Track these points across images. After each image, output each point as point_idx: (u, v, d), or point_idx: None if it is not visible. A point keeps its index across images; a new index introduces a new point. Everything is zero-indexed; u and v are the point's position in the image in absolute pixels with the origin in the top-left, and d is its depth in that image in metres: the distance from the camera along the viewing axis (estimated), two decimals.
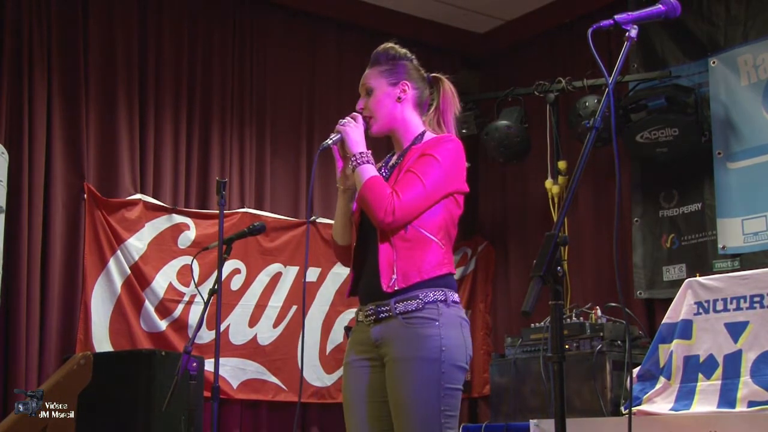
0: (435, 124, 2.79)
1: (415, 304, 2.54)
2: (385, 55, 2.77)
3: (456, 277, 6.84)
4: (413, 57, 2.81)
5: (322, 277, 5.81)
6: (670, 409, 4.04)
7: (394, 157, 2.76)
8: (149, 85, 5.45)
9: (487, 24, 6.56)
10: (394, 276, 2.54)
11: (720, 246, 5.19)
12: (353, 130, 2.67)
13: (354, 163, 2.63)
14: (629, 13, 2.18)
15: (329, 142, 2.70)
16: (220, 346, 3.87)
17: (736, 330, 3.97)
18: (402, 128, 2.74)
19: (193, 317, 5.24)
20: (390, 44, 2.80)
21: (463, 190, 2.67)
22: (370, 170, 2.61)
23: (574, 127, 5.54)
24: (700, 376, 4.02)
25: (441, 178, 2.58)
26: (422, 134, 2.73)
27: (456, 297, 2.61)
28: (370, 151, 2.65)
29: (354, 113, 2.73)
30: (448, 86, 2.81)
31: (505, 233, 6.56)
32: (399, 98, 2.72)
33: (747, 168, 5.13)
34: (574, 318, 4.78)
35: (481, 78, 6.90)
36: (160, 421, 4.12)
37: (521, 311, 1.84)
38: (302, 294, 5.65)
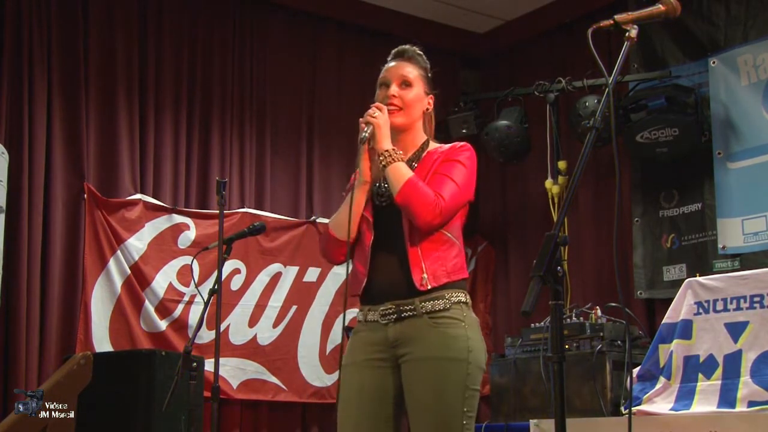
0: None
1: (442, 304, 2.55)
2: (421, 60, 2.79)
3: None
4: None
5: (322, 277, 5.80)
6: (670, 409, 4.04)
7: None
8: (149, 85, 5.45)
9: (487, 24, 6.56)
10: (425, 275, 2.55)
11: (720, 246, 5.19)
12: (385, 125, 2.64)
13: (387, 160, 2.61)
14: (629, 13, 2.18)
15: (365, 134, 2.64)
16: (220, 346, 3.86)
17: (736, 330, 3.97)
18: (414, 134, 2.77)
19: (193, 317, 5.24)
20: (420, 50, 2.81)
21: (471, 199, 2.72)
22: (406, 169, 2.60)
23: (574, 127, 5.54)
24: (700, 376, 4.02)
25: (470, 184, 2.66)
26: (427, 141, 2.77)
27: (470, 300, 2.67)
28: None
29: (377, 104, 2.69)
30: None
31: (505, 233, 6.56)
32: (426, 109, 2.78)
33: (747, 168, 5.13)
34: (574, 318, 4.78)
35: (481, 78, 6.91)
36: (160, 421, 4.12)
37: (521, 311, 1.84)
38: (304, 294, 5.70)
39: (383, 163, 2.61)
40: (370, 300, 2.64)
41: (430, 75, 2.81)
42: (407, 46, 2.81)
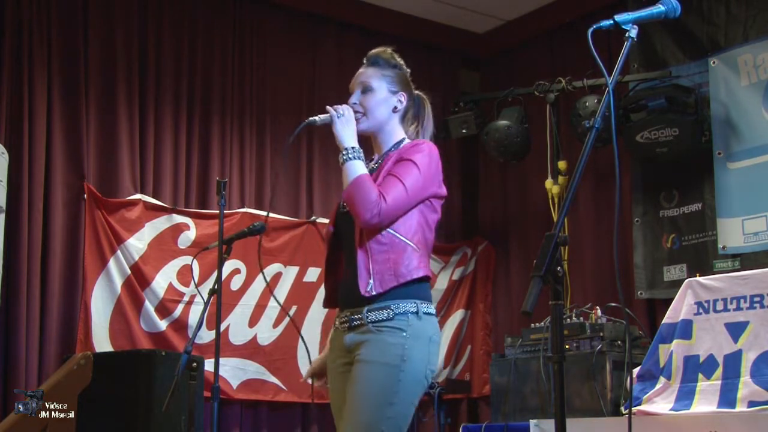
0: (414, 137, 2.85)
1: (386, 314, 2.57)
2: (387, 61, 2.82)
3: (455, 277, 6.84)
4: (408, 70, 2.86)
5: (321, 277, 5.79)
6: (670, 409, 4.03)
7: (372, 162, 2.79)
8: (149, 85, 5.45)
9: (487, 24, 6.56)
10: (371, 280, 2.58)
11: (720, 246, 5.19)
12: (346, 125, 2.69)
13: (345, 157, 2.65)
14: (629, 13, 2.18)
15: (317, 120, 2.72)
16: (220, 346, 3.87)
17: (736, 330, 3.97)
18: (387, 135, 2.79)
19: (193, 317, 5.24)
20: (390, 50, 2.85)
21: (439, 194, 2.71)
22: (360, 167, 2.63)
23: (574, 127, 5.54)
24: (700, 376, 4.02)
25: (419, 183, 2.62)
26: (401, 141, 2.78)
27: (429, 308, 2.64)
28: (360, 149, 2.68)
29: (346, 105, 2.75)
30: (430, 108, 2.89)
31: (505, 233, 6.56)
32: (395, 108, 2.78)
33: (747, 168, 5.13)
34: (574, 318, 4.78)
35: (481, 78, 6.91)
36: (160, 421, 4.12)
37: (521, 311, 1.84)
38: (304, 294, 5.69)
39: (341, 160, 2.66)
40: (339, 307, 2.74)
41: (402, 73, 2.82)
42: (374, 50, 2.85)
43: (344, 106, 2.73)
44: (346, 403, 2.58)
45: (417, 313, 2.59)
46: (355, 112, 2.74)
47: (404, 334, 2.55)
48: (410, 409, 2.57)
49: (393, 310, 2.57)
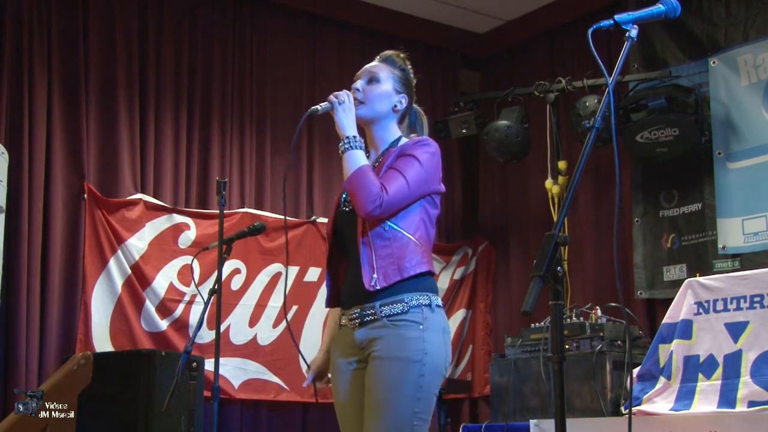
0: None
1: (401, 308, 2.57)
2: (399, 63, 2.85)
3: (456, 277, 6.83)
4: (415, 80, 2.89)
5: (322, 277, 5.80)
6: (670, 409, 4.04)
7: (371, 159, 2.80)
8: (149, 86, 5.45)
9: (487, 24, 6.56)
10: (375, 275, 2.58)
11: (720, 246, 5.19)
12: (347, 113, 2.69)
13: (346, 146, 2.65)
14: (629, 12, 2.19)
15: (319, 109, 2.72)
16: (221, 346, 3.87)
17: (736, 330, 3.97)
18: (383, 131, 2.79)
19: (194, 317, 5.24)
20: (404, 55, 2.88)
21: (439, 191, 2.73)
22: (362, 157, 2.64)
23: (574, 127, 5.54)
24: (700, 376, 4.02)
25: (421, 178, 2.63)
26: (399, 139, 2.79)
27: (439, 301, 2.66)
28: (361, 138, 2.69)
29: (347, 91, 2.75)
30: (427, 122, 2.93)
31: (505, 233, 6.56)
32: (395, 107, 2.79)
33: (747, 168, 5.14)
34: (574, 318, 4.78)
35: (481, 78, 6.91)
36: (160, 421, 4.12)
37: (521, 311, 1.84)
38: (304, 294, 5.69)
39: (342, 148, 2.66)
40: (343, 305, 2.73)
41: (409, 78, 2.85)
42: (388, 51, 2.89)
43: (344, 92, 2.73)
44: (366, 401, 2.57)
45: (430, 305, 2.61)
46: (354, 98, 2.75)
47: (421, 327, 2.56)
48: (433, 400, 2.59)
49: (407, 303, 2.57)
